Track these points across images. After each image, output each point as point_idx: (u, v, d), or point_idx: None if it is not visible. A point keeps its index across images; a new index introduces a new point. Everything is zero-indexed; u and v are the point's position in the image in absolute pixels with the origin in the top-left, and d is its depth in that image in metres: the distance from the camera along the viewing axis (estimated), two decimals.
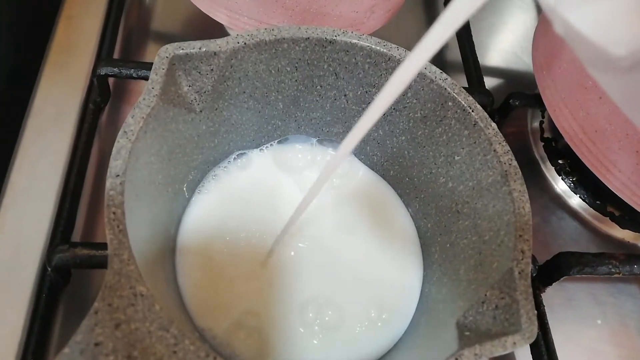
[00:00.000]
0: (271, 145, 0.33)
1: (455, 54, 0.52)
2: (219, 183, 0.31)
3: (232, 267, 0.29)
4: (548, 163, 0.47)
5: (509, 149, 0.25)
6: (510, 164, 0.25)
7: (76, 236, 0.34)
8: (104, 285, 0.19)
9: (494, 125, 0.26)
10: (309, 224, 0.31)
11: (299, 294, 0.29)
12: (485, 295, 0.23)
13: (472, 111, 0.26)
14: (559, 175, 0.46)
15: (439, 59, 0.53)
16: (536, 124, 0.50)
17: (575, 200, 0.45)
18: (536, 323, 0.20)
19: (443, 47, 0.55)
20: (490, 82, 0.52)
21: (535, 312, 0.21)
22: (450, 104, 0.27)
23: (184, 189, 0.30)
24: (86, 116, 0.39)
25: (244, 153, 0.33)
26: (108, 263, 0.19)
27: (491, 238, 0.25)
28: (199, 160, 0.30)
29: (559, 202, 0.46)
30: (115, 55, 0.44)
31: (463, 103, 0.26)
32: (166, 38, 0.48)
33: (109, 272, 0.19)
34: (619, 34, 0.13)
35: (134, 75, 0.38)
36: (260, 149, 0.33)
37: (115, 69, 0.38)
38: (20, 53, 0.45)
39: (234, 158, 0.32)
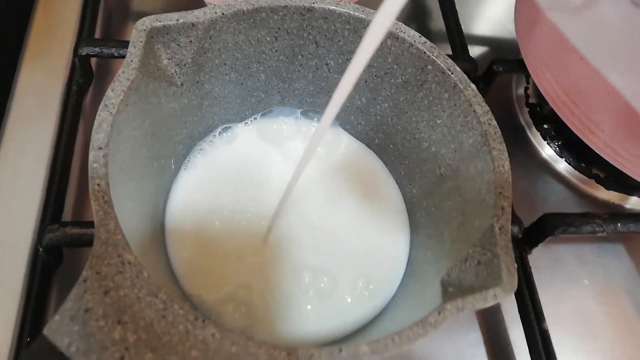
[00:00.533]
0: (255, 118, 0.34)
1: (439, 23, 0.52)
2: (205, 157, 0.31)
3: (222, 241, 0.29)
4: (534, 128, 0.47)
5: (488, 109, 0.26)
6: (489, 124, 0.25)
7: (66, 216, 0.34)
8: (91, 254, 0.19)
9: (473, 86, 0.26)
10: (297, 197, 0.32)
11: (293, 265, 0.29)
12: (468, 252, 0.23)
13: (452, 73, 0.26)
14: (545, 140, 0.46)
15: (423, 28, 0.53)
16: (521, 91, 0.50)
17: (561, 165, 0.46)
18: (516, 275, 0.21)
19: (426, 16, 0.55)
20: (475, 50, 0.52)
21: (515, 265, 0.21)
22: (429, 67, 0.27)
23: (171, 163, 0.30)
24: (70, 98, 0.39)
25: (229, 127, 0.33)
26: (95, 233, 0.19)
27: (473, 198, 0.25)
28: (184, 134, 0.30)
29: (546, 167, 0.46)
30: (97, 36, 0.44)
31: (442, 65, 0.26)
32: (147, 15, 0.47)
33: (96, 241, 0.19)
34: None
35: (116, 54, 0.38)
36: (245, 122, 0.33)
37: (97, 49, 0.38)
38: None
39: (220, 132, 0.32)
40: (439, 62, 0.26)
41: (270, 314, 0.27)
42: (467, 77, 0.26)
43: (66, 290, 0.33)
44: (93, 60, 0.42)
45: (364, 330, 0.28)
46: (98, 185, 0.20)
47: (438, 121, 0.28)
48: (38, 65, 0.41)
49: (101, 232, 0.19)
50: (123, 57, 0.38)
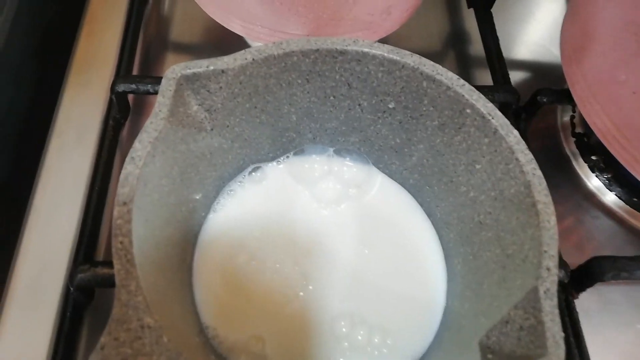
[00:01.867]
0: (287, 157, 0.33)
1: (478, 49, 0.50)
2: (235, 198, 0.31)
3: (249, 285, 0.29)
4: (580, 159, 0.45)
5: (532, 157, 0.24)
6: (534, 174, 0.23)
7: (99, 254, 0.35)
8: (110, 318, 0.18)
9: (515, 132, 0.25)
10: (330, 239, 0.31)
11: (323, 314, 0.28)
12: (509, 314, 0.22)
13: (492, 118, 0.25)
14: (593, 172, 0.44)
15: (461, 56, 0.51)
16: (567, 119, 0.47)
17: (610, 198, 0.43)
18: (563, 347, 0.19)
19: (465, 40, 0.53)
20: (516, 76, 0.50)
21: (563, 334, 0.19)
22: (468, 111, 0.26)
23: (200, 206, 0.29)
24: (107, 133, 0.39)
25: (259, 167, 0.32)
26: (115, 295, 0.19)
27: (515, 252, 0.24)
28: (213, 177, 0.30)
29: (593, 200, 0.43)
30: (135, 70, 0.44)
31: (482, 110, 0.25)
32: (184, 49, 0.48)
33: (116, 304, 0.19)
34: None
35: (152, 90, 0.38)
36: (276, 162, 0.33)
37: (133, 85, 0.39)
38: (43, 72, 0.46)
39: (249, 172, 0.32)
40: (478, 107, 0.25)
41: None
42: (508, 123, 0.25)
43: (97, 327, 0.33)
44: (131, 95, 0.42)
45: None
46: (121, 243, 0.20)
47: (477, 166, 0.27)
48: (78, 98, 0.42)
49: (122, 294, 0.19)
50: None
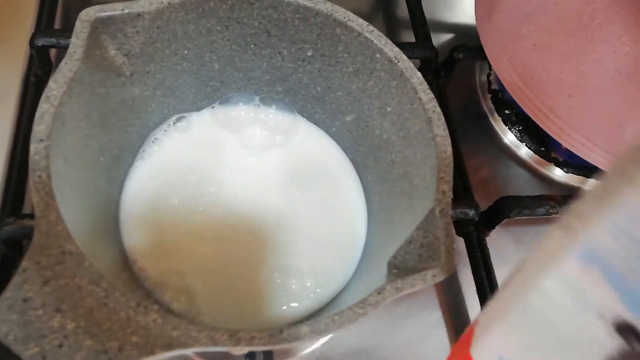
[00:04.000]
0: (213, 107, 0.34)
1: (403, 10, 0.52)
2: (160, 147, 0.31)
3: (177, 230, 0.29)
4: (496, 115, 0.48)
5: (432, 96, 0.26)
6: (434, 111, 0.26)
7: (27, 209, 0.34)
8: (31, 245, 0.19)
9: (418, 74, 0.27)
10: (255, 185, 0.32)
11: (250, 259, 0.30)
12: (412, 235, 0.24)
13: (399, 62, 0.27)
14: (506, 126, 0.47)
15: (387, 16, 0.53)
16: (484, 77, 0.50)
17: (523, 150, 0.47)
18: (454, 256, 0.22)
19: (392, 4, 0.55)
20: (439, 38, 0.53)
21: (455, 247, 0.22)
22: (378, 55, 0.27)
23: (125, 154, 0.30)
24: (28, 89, 0.39)
25: (184, 116, 0.33)
26: (35, 226, 0.20)
27: (419, 183, 0.26)
28: (137, 124, 0.30)
29: (508, 152, 0.47)
30: (57, 25, 0.43)
31: (389, 54, 0.27)
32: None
33: (36, 233, 0.19)
34: None
35: None
36: (201, 111, 0.33)
37: (53, 39, 0.38)
38: None
39: (174, 122, 0.32)
40: (386, 51, 0.27)
41: (218, 305, 0.28)
42: (412, 66, 0.27)
43: None
44: (52, 52, 0.41)
45: (315, 315, 0.28)
46: (39, 177, 0.21)
47: (388, 109, 0.29)
48: None
49: (41, 224, 0.20)
50: None
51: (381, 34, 0.28)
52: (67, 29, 0.43)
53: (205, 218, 0.30)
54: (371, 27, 0.28)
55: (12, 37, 0.41)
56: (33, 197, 0.20)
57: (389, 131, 0.29)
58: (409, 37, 0.50)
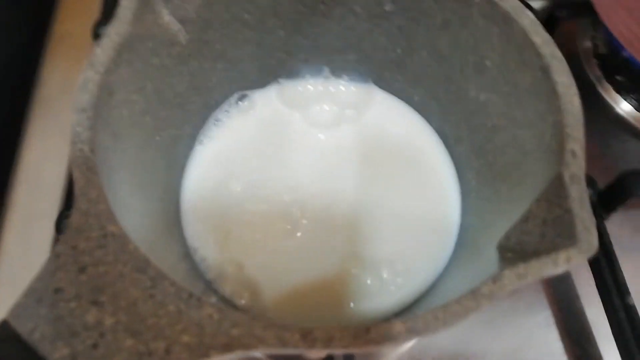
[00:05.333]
0: (278, 82, 0.30)
1: None
2: (222, 129, 0.28)
3: (243, 215, 0.26)
4: (605, 82, 0.41)
5: (549, 37, 0.21)
6: (553, 56, 0.20)
7: None
8: (67, 227, 0.16)
9: (529, 13, 0.21)
10: (328, 166, 0.28)
11: (325, 251, 0.26)
12: (530, 210, 0.19)
13: (502, 1, 0.22)
14: (619, 94, 0.40)
15: None
16: (587, 42, 0.43)
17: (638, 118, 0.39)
18: (595, 234, 0.16)
19: None
20: None
21: (594, 219, 0.16)
22: None
23: (184, 135, 0.27)
24: None
25: (246, 94, 0.29)
26: (74, 204, 0.17)
27: (535, 146, 0.21)
28: (197, 102, 0.27)
29: (622, 124, 0.40)
30: None
31: None
32: None
33: (74, 212, 0.17)
34: None
35: None
36: (265, 87, 0.30)
37: None
38: (24, 25, 0.44)
39: (236, 100, 0.29)
40: None
41: (287, 301, 0.24)
42: (520, 4, 0.21)
43: None
44: None
45: (407, 311, 0.24)
46: (80, 150, 0.18)
47: (487, 63, 0.24)
48: (62, 47, 0.40)
49: (81, 202, 0.17)
50: None
51: None
52: None
53: (270, 206, 0.27)
54: None
55: (77, 29, 0.41)
56: (73, 173, 0.17)
57: (488, 90, 0.24)
58: None
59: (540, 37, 0.21)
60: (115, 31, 0.21)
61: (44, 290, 0.15)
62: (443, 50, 0.26)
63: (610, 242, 0.30)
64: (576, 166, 0.18)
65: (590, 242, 0.16)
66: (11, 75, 0.40)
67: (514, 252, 0.18)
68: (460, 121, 0.27)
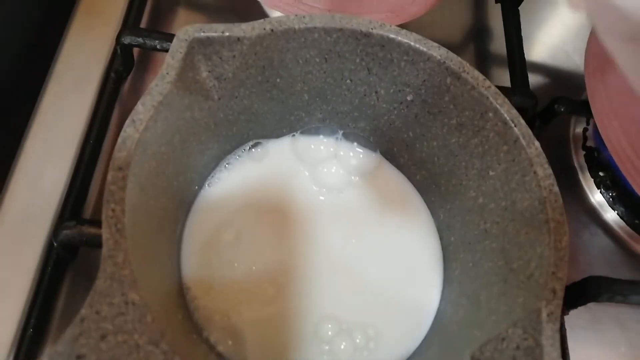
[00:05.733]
0: (293, 135, 0.31)
1: (498, 47, 0.49)
2: (231, 173, 0.30)
3: (233, 265, 0.27)
4: (587, 173, 0.44)
5: (551, 172, 0.23)
6: (550, 190, 0.22)
7: (87, 211, 0.33)
8: (93, 290, 0.17)
9: (537, 144, 0.23)
10: (323, 227, 0.30)
11: (312, 311, 0.27)
12: (507, 332, 0.21)
13: (515, 126, 0.24)
14: (598, 188, 0.43)
15: (481, 51, 0.50)
16: (579, 131, 0.46)
17: (611, 216, 0.42)
18: None
19: (487, 35, 0.51)
20: (534, 80, 0.49)
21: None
22: (490, 114, 0.24)
23: (197, 177, 0.28)
24: (107, 85, 0.37)
25: (261, 142, 0.31)
26: (100, 265, 0.18)
27: (519, 268, 0.23)
28: (215, 148, 0.28)
29: (594, 215, 0.43)
30: (143, 24, 0.42)
31: (505, 116, 0.24)
32: (196, 7, 0.46)
33: (101, 275, 0.18)
34: None
35: (158, 47, 0.36)
36: (280, 138, 0.31)
37: (140, 39, 0.37)
38: (46, 12, 0.44)
39: (250, 147, 0.30)
40: (502, 112, 0.24)
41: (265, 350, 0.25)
42: (531, 133, 0.24)
43: (78, 286, 0.32)
44: (136, 49, 0.40)
45: None
46: (113, 211, 0.19)
47: (491, 172, 0.26)
48: (81, 43, 0.40)
49: (107, 265, 0.18)
50: (166, 50, 0.36)
51: (498, 91, 0.24)
52: (154, 29, 0.42)
53: (261, 256, 0.28)
54: (488, 82, 0.24)
55: (99, 27, 0.41)
56: (104, 234, 0.18)
57: (487, 196, 0.26)
58: (501, 76, 0.47)
59: (543, 170, 0.23)
60: (159, 90, 0.21)
61: (68, 355, 0.16)
62: (453, 147, 0.27)
63: (565, 337, 0.33)
64: (555, 305, 0.20)
65: None
66: (26, 67, 0.40)
67: None
68: (455, 212, 0.29)
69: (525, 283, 0.22)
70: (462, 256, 0.28)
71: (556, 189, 0.22)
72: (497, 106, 0.24)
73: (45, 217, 0.32)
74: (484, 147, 0.26)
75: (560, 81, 0.49)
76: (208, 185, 0.29)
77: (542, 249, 0.22)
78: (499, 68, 0.49)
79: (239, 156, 0.30)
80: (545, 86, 0.49)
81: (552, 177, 0.23)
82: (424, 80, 0.26)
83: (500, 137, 0.24)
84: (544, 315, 0.20)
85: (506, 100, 0.24)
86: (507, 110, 0.24)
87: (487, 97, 0.24)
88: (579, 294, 0.34)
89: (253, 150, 0.31)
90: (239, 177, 0.30)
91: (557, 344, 0.19)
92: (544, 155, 0.23)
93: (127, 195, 0.20)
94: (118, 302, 0.17)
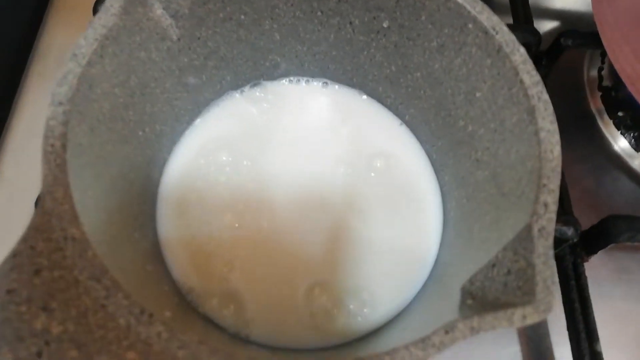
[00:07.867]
0: (270, 83, 0.30)
1: None
2: (208, 125, 0.28)
3: (218, 222, 0.26)
4: (606, 116, 0.41)
5: (539, 79, 0.20)
6: (539, 98, 0.20)
7: None
8: (28, 226, 0.16)
9: (522, 50, 0.21)
10: (311, 176, 0.28)
11: (301, 272, 0.26)
12: (497, 257, 0.19)
13: (497, 33, 0.21)
14: (618, 130, 0.40)
15: None
16: (594, 72, 0.43)
17: (637, 161, 0.39)
18: (554, 294, 0.16)
19: None
20: (542, 24, 0.46)
21: (555, 279, 0.16)
22: (470, 26, 0.22)
23: (169, 130, 0.27)
24: None
25: (238, 92, 0.29)
26: (38, 202, 0.17)
27: (511, 190, 0.20)
28: (185, 98, 0.27)
29: (617, 162, 0.39)
30: None
31: (485, 24, 0.21)
32: None
33: (37, 211, 0.16)
34: None
35: None
36: (255, 88, 0.30)
37: None
38: None
39: (227, 97, 0.29)
40: (481, 20, 0.21)
41: (264, 318, 0.24)
42: (515, 40, 0.21)
43: None
44: None
45: (369, 338, 0.24)
46: (52, 146, 0.18)
47: (477, 94, 0.23)
48: (62, 21, 0.40)
49: (46, 201, 0.16)
50: None
51: None
52: None
53: (251, 213, 0.26)
54: None
55: (80, 4, 0.40)
56: (42, 169, 0.17)
57: (476, 122, 0.24)
58: (505, 19, 0.44)
59: (530, 77, 0.20)
60: (101, 23, 0.20)
61: None
62: (437, 74, 0.25)
63: (586, 285, 0.30)
64: (546, 219, 0.18)
65: (547, 303, 0.16)
66: (9, 45, 0.39)
67: (474, 299, 0.18)
68: (447, 148, 0.26)
69: (517, 204, 0.19)
70: (456, 194, 0.26)
71: (546, 96, 0.20)
72: (476, 14, 0.21)
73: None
74: (467, 66, 0.23)
75: (567, 21, 0.46)
76: (184, 138, 0.28)
77: (533, 162, 0.19)
78: (501, 12, 0.46)
79: (215, 106, 0.29)
80: (552, 28, 0.46)
81: (541, 84, 0.20)
82: (397, 1, 0.24)
83: (483, 50, 0.22)
84: (534, 230, 0.17)
85: (486, 7, 0.22)
86: (487, 18, 0.21)
87: (464, 7, 0.22)
88: (599, 236, 0.31)
89: (230, 100, 0.29)
90: (217, 129, 0.28)
91: (551, 262, 0.17)
92: (530, 62, 0.21)
93: (69, 132, 0.18)
94: (56, 238, 0.16)
